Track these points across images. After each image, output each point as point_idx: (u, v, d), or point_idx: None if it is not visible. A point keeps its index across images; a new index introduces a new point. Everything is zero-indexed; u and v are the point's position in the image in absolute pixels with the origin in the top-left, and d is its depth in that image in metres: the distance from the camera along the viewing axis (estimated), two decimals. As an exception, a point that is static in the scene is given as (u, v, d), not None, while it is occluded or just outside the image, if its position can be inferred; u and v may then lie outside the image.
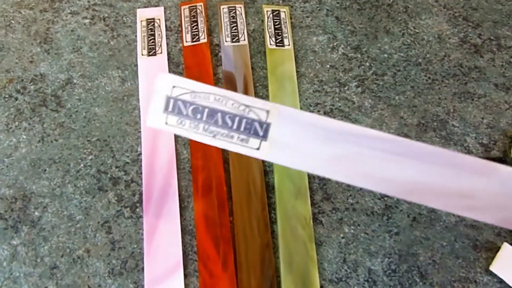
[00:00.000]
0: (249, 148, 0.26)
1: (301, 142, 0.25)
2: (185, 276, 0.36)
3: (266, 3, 0.51)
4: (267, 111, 0.25)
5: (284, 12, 0.49)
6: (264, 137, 0.25)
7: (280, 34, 0.48)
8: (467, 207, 0.25)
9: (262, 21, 0.49)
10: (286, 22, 0.49)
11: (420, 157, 0.25)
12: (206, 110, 0.26)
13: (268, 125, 0.25)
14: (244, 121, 0.25)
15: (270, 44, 0.47)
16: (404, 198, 0.25)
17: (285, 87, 0.44)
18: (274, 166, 0.40)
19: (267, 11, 0.49)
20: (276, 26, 0.48)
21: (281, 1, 0.51)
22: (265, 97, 0.45)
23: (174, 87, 0.26)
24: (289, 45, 0.47)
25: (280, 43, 0.47)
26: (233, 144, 0.26)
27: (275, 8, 0.50)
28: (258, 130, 0.25)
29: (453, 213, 0.38)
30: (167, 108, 0.26)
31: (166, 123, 0.27)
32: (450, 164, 0.25)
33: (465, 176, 0.25)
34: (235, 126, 0.25)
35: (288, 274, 0.35)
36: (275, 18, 0.49)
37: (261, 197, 0.38)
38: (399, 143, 0.24)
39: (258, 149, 0.26)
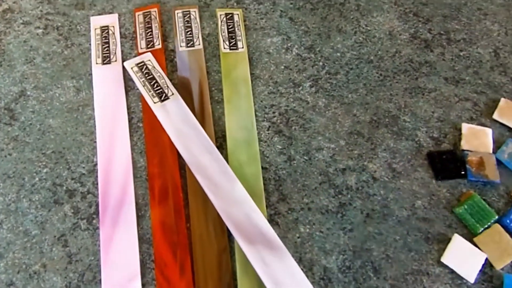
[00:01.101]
0: None
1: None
2: (143, 285, 0.36)
3: (220, 7, 0.51)
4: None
5: (238, 15, 0.50)
6: None
7: (233, 37, 0.48)
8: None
9: (216, 24, 0.49)
10: (239, 25, 0.49)
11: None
12: None
13: None
14: None
15: (224, 48, 0.47)
16: None
17: (240, 91, 0.45)
18: (230, 169, 0.40)
19: (220, 15, 0.50)
20: (229, 30, 0.49)
21: (235, 4, 0.51)
22: (220, 101, 0.45)
23: None
24: (242, 48, 0.47)
25: (234, 46, 0.47)
26: None
27: (229, 11, 0.50)
28: None
29: (405, 207, 0.40)
30: None
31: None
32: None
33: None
34: None
35: (244, 277, 0.36)
36: (228, 21, 0.49)
37: (217, 202, 0.39)
38: None
39: None
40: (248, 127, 0.43)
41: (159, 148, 0.42)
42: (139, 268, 0.36)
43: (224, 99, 0.44)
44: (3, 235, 0.38)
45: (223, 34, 0.48)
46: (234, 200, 0.37)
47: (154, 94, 0.44)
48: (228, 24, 0.49)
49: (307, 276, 0.37)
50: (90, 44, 0.48)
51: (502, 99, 0.46)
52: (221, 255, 0.37)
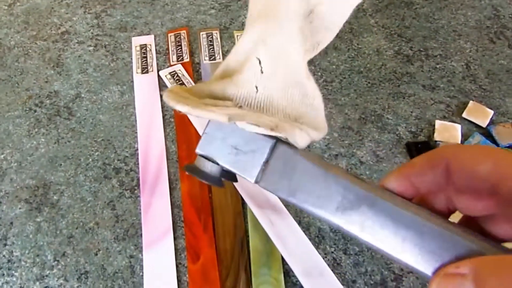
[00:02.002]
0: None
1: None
2: (175, 238, 0.45)
3: (236, 29, 0.62)
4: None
5: None
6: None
7: None
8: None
9: (234, 43, 0.61)
10: None
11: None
12: None
13: None
14: None
15: None
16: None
17: None
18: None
19: (237, 36, 0.61)
20: None
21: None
22: (237, 102, 0.55)
23: None
24: None
25: None
26: None
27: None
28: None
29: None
30: None
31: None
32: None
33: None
34: None
35: (254, 233, 0.45)
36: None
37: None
38: None
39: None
40: None
41: (186, 137, 0.52)
42: (172, 226, 0.46)
43: None
44: (65, 201, 0.48)
45: None
46: None
47: None
48: None
49: (305, 234, 0.45)
50: (131, 58, 0.60)
51: (471, 101, 0.55)
52: (236, 217, 0.46)
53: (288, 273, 0.43)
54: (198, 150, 0.27)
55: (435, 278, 0.21)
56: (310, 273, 0.41)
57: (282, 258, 0.43)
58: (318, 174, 0.25)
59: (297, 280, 0.42)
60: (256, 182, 0.26)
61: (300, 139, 0.26)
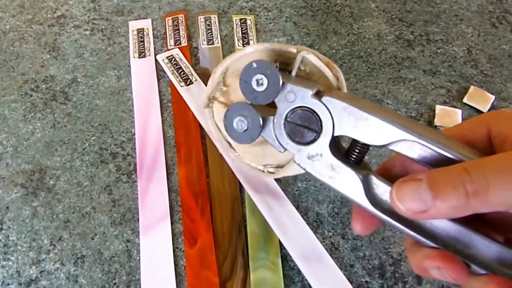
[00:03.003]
0: None
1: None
2: (172, 223, 0.45)
3: (235, 13, 0.61)
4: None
5: (250, 19, 0.60)
6: None
7: (246, 37, 0.58)
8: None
9: (232, 27, 0.60)
10: (251, 28, 0.59)
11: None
12: None
13: None
14: None
15: (238, 45, 0.58)
16: None
17: None
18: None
19: (235, 20, 0.60)
20: (243, 31, 0.59)
21: (248, 11, 0.62)
22: (235, 87, 0.55)
23: None
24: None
25: (247, 44, 0.58)
26: None
27: (243, 17, 0.60)
28: None
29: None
30: None
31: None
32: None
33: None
34: None
35: (252, 218, 0.45)
36: (242, 25, 0.59)
37: (231, 162, 0.48)
38: None
39: None
40: None
41: (184, 122, 0.51)
42: (169, 211, 0.45)
43: None
44: (61, 185, 0.48)
45: (237, 34, 0.58)
46: None
47: (181, 80, 0.54)
48: (242, 27, 0.59)
49: (304, 220, 0.45)
50: (128, 43, 0.59)
51: (472, 86, 0.54)
52: (233, 202, 0.46)
53: (286, 257, 0.43)
54: None
55: (394, 185, 0.22)
56: (308, 258, 0.41)
57: (280, 242, 0.43)
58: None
59: (295, 265, 0.42)
60: None
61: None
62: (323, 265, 0.41)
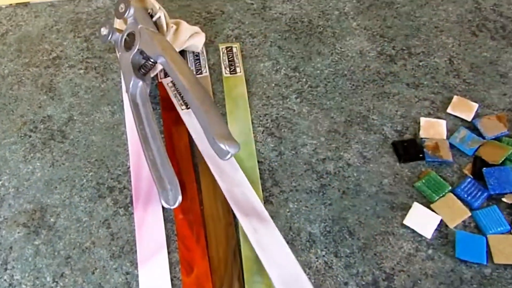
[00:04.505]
0: None
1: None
2: (169, 252, 0.46)
3: (221, 42, 0.63)
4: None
5: (236, 47, 0.62)
6: None
7: (233, 64, 0.60)
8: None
9: (219, 56, 0.62)
10: (237, 55, 0.61)
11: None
12: None
13: None
14: None
15: (225, 73, 0.60)
16: None
17: (239, 105, 0.56)
18: (232, 164, 0.51)
19: (222, 48, 0.62)
20: (229, 59, 0.61)
21: (234, 39, 0.64)
22: (224, 114, 0.56)
23: None
24: (240, 72, 0.59)
25: (233, 71, 0.60)
26: None
27: (229, 45, 0.62)
28: None
29: (374, 185, 0.49)
30: None
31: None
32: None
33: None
34: None
35: (246, 242, 0.46)
36: (228, 53, 0.61)
37: (223, 188, 0.49)
38: None
39: None
40: (246, 132, 0.54)
41: (176, 152, 0.53)
42: (165, 240, 0.47)
43: (227, 112, 0.56)
44: (61, 223, 0.49)
45: (224, 62, 0.60)
46: (235, 182, 0.48)
47: (182, 103, 0.56)
48: (228, 54, 0.61)
49: (296, 240, 0.46)
50: (120, 78, 0.61)
51: (455, 96, 0.56)
52: (227, 228, 0.47)
53: None
54: None
55: None
56: (286, 281, 0.42)
57: (274, 264, 0.44)
58: None
59: None
60: None
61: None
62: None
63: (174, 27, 0.59)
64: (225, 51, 0.62)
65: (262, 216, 0.46)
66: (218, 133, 0.43)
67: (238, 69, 0.60)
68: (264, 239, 0.45)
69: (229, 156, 0.43)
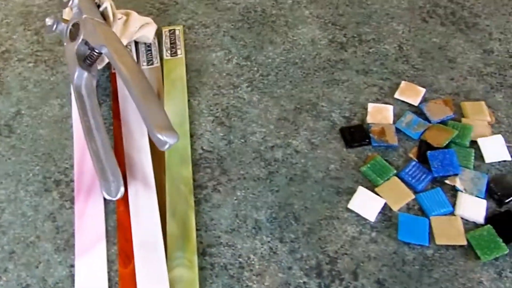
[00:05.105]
0: None
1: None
2: (109, 244, 0.46)
3: (164, 26, 0.63)
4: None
5: (179, 29, 0.62)
6: None
7: (174, 47, 0.60)
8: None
9: (162, 38, 0.61)
10: (179, 37, 0.61)
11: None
12: None
13: None
14: None
15: (166, 55, 0.60)
16: None
17: (176, 86, 0.57)
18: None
19: (164, 31, 0.62)
20: (171, 41, 0.61)
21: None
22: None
23: None
24: (181, 54, 0.59)
25: (174, 54, 0.60)
26: None
27: (172, 28, 0.63)
28: None
29: (321, 170, 0.50)
30: None
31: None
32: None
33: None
34: None
35: (172, 219, 0.46)
36: (171, 35, 0.62)
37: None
38: None
39: None
40: (181, 112, 0.54)
41: (122, 145, 0.52)
42: (105, 232, 0.46)
43: (165, 93, 0.56)
44: (6, 218, 0.49)
45: (166, 45, 0.61)
46: (137, 148, 0.51)
47: None
48: (171, 37, 0.61)
49: (242, 227, 0.46)
50: (71, 71, 0.60)
51: (403, 81, 0.56)
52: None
53: (205, 253, 0.44)
54: None
55: None
56: (145, 246, 0.44)
57: (197, 240, 0.45)
58: None
59: (214, 262, 0.44)
60: None
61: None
62: (154, 256, 0.43)
63: (124, 17, 0.58)
64: (168, 34, 0.62)
65: (147, 183, 0.48)
66: (156, 124, 0.43)
67: (179, 51, 0.60)
68: (141, 204, 0.47)
69: (167, 146, 0.42)
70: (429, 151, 0.49)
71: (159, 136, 0.42)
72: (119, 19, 0.57)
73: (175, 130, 0.44)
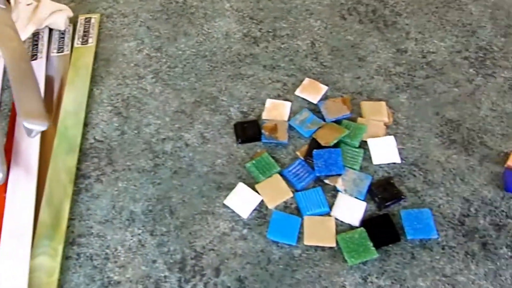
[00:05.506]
0: None
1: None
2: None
3: (82, 13, 0.63)
4: None
5: (95, 18, 0.62)
6: None
7: (87, 35, 0.60)
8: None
9: (76, 26, 0.61)
10: (94, 26, 0.61)
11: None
12: None
13: None
14: None
15: (77, 43, 0.59)
16: None
17: (80, 74, 0.56)
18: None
19: (80, 19, 0.62)
20: (85, 29, 0.61)
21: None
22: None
23: None
24: (92, 43, 0.59)
25: (85, 42, 0.59)
26: None
27: (88, 16, 0.62)
28: None
29: (207, 165, 0.49)
30: None
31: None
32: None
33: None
34: None
35: (47, 207, 0.46)
36: (86, 23, 0.61)
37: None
38: None
39: None
40: (80, 101, 0.54)
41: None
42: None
43: (68, 81, 0.56)
44: None
45: (79, 33, 0.60)
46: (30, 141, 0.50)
47: None
48: (86, 25, 0.61)
49: (116, 218, 0.46)
50: (-15, 56, 0.60)
51: (306, 78, 0.55)
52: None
53: (74, 243, 0.45)
54: None
55: None
56: (13, 234, 0.44)
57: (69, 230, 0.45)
58: None
59: (81, 252, 0.44)
60: None
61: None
62: (21, 243, 0.44)
63: (34, 3, 0.58)
64: (83, 22, 0.62)
65: (30, 170, 0.48)
66: (25, 110, 0.43)
67: (90, 40, 0.60)
68: (19, 191, 0.47)
69: (34, 134, 0.42)
70: (314, 150, 0.49)
71: (25, 123, 0.42)
72: (28, 4, 0.57)
73: (47, 118, 0.44)
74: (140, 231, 0.46)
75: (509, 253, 0.44)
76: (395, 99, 0.54)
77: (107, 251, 0.44)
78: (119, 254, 0.44)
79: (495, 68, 0.57)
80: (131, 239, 0.45)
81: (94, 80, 0.57)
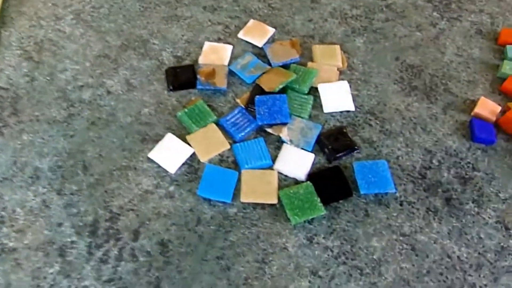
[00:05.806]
0: None
1: None
2: None
3: None
4: None
5: None
6: None
7: None
8: None
9: None
10: None
11: None
12: None
13: None
14: None
15: None
16: None
17: None
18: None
19: None
20: None
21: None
22: (-21, 35, 0.47)
23: None
24: None
25: None
26: None
27: None
28: None
29: (131, 115, 0.42)
30: None
31: None
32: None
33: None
34: None
35: None
36: None
37: None
38: None
39: None
40: None
41: None
42: None
43: None
44: None
45: None
46: None
47: None
48: None
49: (16, 176, 0.39)
50: None
51: (251, 20, 0.48)
52: None
53: None
54: None
55: None
56: None
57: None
58: None
59: None
60: None
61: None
62: None
63: None
64: None
65: None
66: None
67: None
68: None
69: None
70: (257, 96, 0.42)
71: None
72: None
73: None
74: (45, 190, 0.38)
75: (476, 209, 0.38)
76: (351, 43, 0.48)
77: (3, 213, 0.37)
78: (17, 217, 0.37)
79: (461, 11, 0.51)
80: (33, 200, 0.37)
81: (3, 20, 0.48)
